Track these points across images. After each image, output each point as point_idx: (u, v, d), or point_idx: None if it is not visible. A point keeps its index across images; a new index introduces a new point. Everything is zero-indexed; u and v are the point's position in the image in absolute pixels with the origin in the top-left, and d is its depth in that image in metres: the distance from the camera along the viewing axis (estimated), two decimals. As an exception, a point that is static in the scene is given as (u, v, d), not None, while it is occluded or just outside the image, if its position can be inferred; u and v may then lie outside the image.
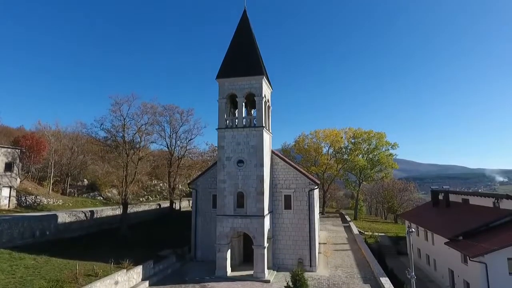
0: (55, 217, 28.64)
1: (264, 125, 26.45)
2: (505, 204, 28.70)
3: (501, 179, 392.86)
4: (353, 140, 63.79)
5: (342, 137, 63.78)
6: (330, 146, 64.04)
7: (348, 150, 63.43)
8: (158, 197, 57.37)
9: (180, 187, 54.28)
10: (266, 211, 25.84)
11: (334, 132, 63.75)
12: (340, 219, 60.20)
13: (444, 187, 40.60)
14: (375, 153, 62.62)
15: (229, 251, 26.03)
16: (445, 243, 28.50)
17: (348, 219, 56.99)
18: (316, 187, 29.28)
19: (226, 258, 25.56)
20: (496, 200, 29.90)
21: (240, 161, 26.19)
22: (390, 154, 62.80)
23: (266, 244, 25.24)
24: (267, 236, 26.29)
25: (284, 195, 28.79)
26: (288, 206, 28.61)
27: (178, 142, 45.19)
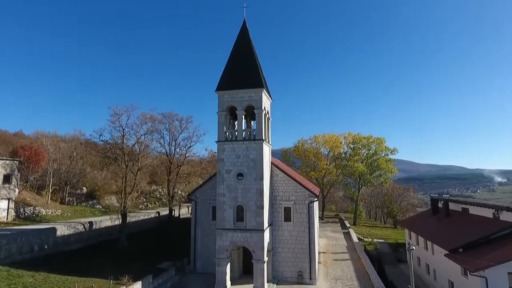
0: (53, 230, 28.50)
1: (263, 138, 26.31)
2: (505, 216, 28.64)
3: (499, 179, 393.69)
4: (352, 145, 63.84)
5: (341, 142, 63.85)
6: (329, 151, 64.09)
7: (348, 155, 63.45)
8: (157, 203, 57.14)
9: (180, 192, 54.08)
10: (265, 225, 25.73)
11: (333, 137, 63.82)
12: (339, 224, 60.18)
13: (444, 195, 40.54)
14: (374, 158, 62.67)
15: (228, 264, 25.91)
16: (445, 255, 28.42)
17: (348, 225, 56.97)
18: (316, 199, 29.21)
19: (226, 272, 25.41)
20: (496, 211, 29.84)
21: (240, 174, 26.03)
22: (390, 159, 62.88)
23: (265, 258, 25.11)
24: (267, 249, 26.20)
25: (284, 207, 28.70)
26: (287, 218, 28.53)
27: (178, 150, 45.10)
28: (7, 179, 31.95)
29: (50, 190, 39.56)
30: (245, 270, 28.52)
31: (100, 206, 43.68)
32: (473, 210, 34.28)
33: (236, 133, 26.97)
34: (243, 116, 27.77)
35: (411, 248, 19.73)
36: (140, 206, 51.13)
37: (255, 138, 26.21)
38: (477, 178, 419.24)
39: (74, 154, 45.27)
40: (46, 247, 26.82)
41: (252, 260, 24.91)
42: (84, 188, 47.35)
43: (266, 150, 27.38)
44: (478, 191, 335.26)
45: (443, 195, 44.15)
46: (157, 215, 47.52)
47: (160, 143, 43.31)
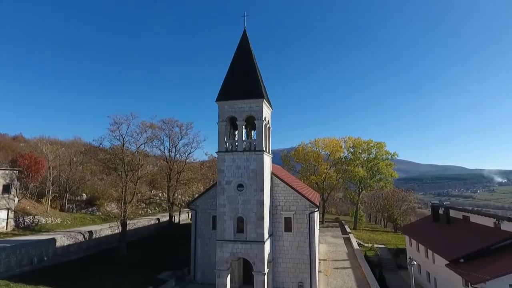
0: (53, 241, 28.36)
1: (264, 148, 26.19)
2: (506, 226, 28.49)
3: (499, 179, 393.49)
4: (352, 150, 63.78)
5: (341, 146, 63.86)
6: (329, 155, 64.07)
7: (348, 159, 63.39)
8: (157, 209, 56.97)
9: (180, 197, 53.86)
10: (266, 236, 25.62)
11: (334, 141, 63.88)
12: (339, 229, 60.06)
13: (444, 203, 40.45)
14: (374, 163, 62.60)
15: (229, 276, 25.81)
16: (446, 265, 28.34)
17: (348, 230, 56.87)
18: (317, 209, 29.14)
19: (226, 284, 25.28)
20: (497, 221, 29.74)
21: (240, 185, 25.90)
22: (390, 164, 62.85)
23: (266, 270, 25.01)
24: (267, 260, 26.10)
25: (284, 217, 28.63)
26: (288, 228, 28.46)
27: (178, 156, 44.99)
28: (6, 189, 31.84)
29: (50, 198, 39.38)
30: (245, 280, 28.44)
31: (100, 213, 43.53)
32: (474, 219, 34.15)
33: (236, 143, 26.83)
34: (243, 126, 27.70)
35: (412, 263, 19.60)
36: (140, 212, 50.96)
37: (256, 149, 26.06)
38: (477, 178, 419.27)
39: (74, 159, 45.10)
40: (45, 258, 26.68)
41: (253, 272, 24.81)
42: (84, 194, 47.17)
43: (267, 160, 27.27)
44: (478, 191, 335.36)
45: (443, 202, 44.16)
46: (157, 221, 47.37)
47: (160, 149, 43.26)
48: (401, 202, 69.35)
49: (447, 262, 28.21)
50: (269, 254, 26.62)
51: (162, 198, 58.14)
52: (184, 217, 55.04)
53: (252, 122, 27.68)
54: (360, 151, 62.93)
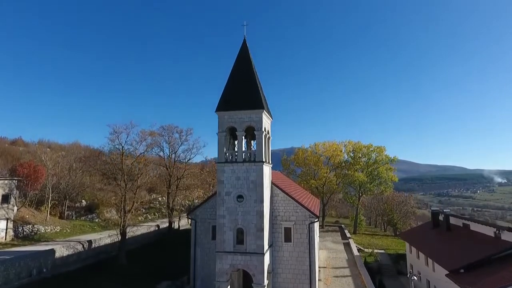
0: (52, 252, 28.26)
1: (264, 159, 26.16)
2: (506, 236, 28.44)
3: (499, 180, 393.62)
4: (352, 154, 63.77)
5: (341, 151, 63.90)
6: (329, 159, 64.09)
7: (348, 164, 63.38)
8: (157, 214, 56.87)
9: (180, 201, 53.77)
10: (266, 247, 25.59)
11: (333, 145, 63.95)
12: (339, 233, 60.06)
13: (444, 210, 40.38)
14: (374, 167, 62.58)
15: (228, 287, 25.79)
16: (446, 275, 28.28)
17: (348, 234, 56.83)
18: (317, 219, 29.06)
19: (226, 296, 25.28)
20: (497, 231, 29.69)
21: (240, 196, 25.89)
22: (390, 168, 62.84)
23: (266, 282, 24.98)
24: (267, 271, 26.06)
25: (284, 228, 28.56)
26: (288, 238, 28.40)
27: (178, 163, 44.90)
28: (5, 199, 31.77)
29: (49, 205, 39.24)
30: (245, 291, 28.39)
31: (99, 220, 43.42)
32: (474, 227, 34.10)
33: (236, 154, 26.82)
34: (243, 136, 27.65)
35: (412, 278, 19.53)
36: (140, 218, 50.86)
37: (255, 160, 26.04)
38: (477, 179, 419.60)
39: (74, 166, 44.94)
40: (44, 270, 26.58)
41: (253, 284, 24.78)
42: (83, 201, 47.04)
43: (266, 171, 27.22)
44: (478, 191, 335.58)
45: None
46: (156, 228, 47.27)
47: (159, 155, 43.17)
48: (401, 205, 69.34)
49: (447, 272, 28.18)
50: (268, 264, 26.58)
51: (162, 203, 58.05)
52: (184, 222, 54.91)
53: (252, 132, 27.63)
54: (360, 156, 62.91)
